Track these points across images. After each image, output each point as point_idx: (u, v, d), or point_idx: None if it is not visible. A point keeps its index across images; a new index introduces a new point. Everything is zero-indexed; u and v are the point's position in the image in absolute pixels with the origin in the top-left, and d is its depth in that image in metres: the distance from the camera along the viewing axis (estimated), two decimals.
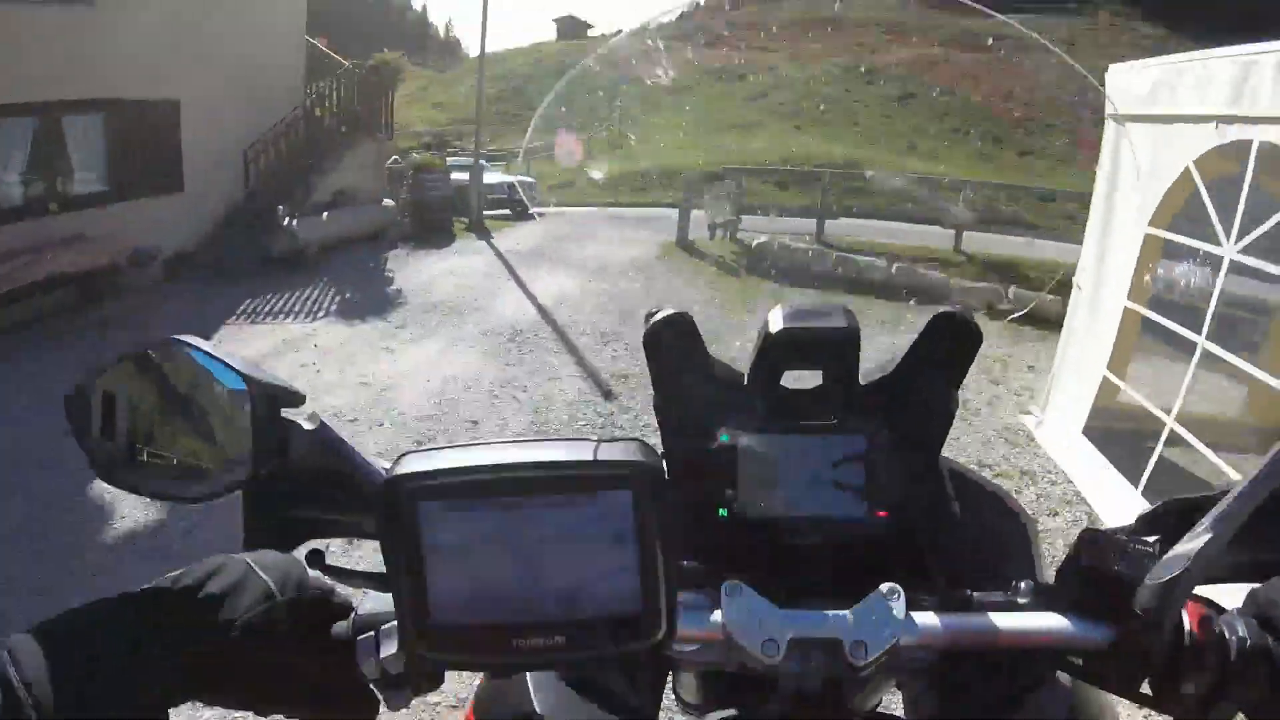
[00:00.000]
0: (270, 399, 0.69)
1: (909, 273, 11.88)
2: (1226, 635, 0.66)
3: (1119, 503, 5.49)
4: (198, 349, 0.70)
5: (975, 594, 0.80)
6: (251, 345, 7.42)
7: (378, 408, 6.11)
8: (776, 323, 0.95)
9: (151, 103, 9.85)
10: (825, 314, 0.96)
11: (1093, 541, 0.76)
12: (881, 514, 0.95)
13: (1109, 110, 6.26)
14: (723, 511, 0.96)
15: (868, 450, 0.97)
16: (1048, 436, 6.58)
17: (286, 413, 0.72)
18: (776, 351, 0.97)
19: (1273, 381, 4.72)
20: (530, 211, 18.54)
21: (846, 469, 0.96)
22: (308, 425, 0.72)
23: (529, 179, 20.46)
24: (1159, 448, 5.33)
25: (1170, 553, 0.65)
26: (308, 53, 13.47)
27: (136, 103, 9.59)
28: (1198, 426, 5.25)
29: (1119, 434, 6.18)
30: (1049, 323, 11.01)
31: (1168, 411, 5.41)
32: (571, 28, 78.56)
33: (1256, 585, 0.72)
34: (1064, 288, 11.91)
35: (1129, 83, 6.02)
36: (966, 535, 1.03)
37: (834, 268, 11.95)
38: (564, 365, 7.24)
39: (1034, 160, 39.33)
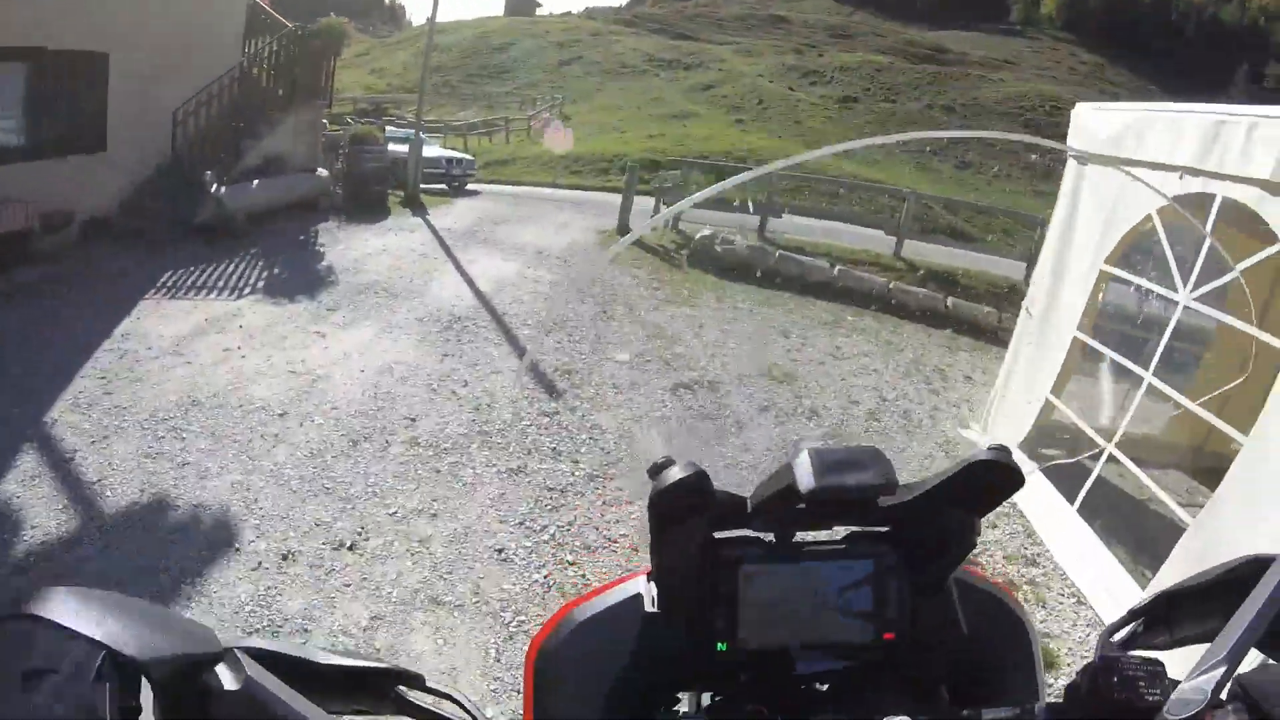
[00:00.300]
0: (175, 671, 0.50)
1: (850, 275, 11.89)
2: None
3: (1056, 519, 5.73)
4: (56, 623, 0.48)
5: (985, 713, 0.82)
6: (172, 324, 6.90)
7: (308, 400, 5.72)
8: (806, 478, 0.84)
9: (78, 54, 9.10)
10: (860, 465, 0.86)
11: (1106, 668, 0.77)
12: (888, 636, 0.93)
13: (1071, 148, 6.47)
14: (722, 646, 0.92)
15: (875, 573, 0.94)
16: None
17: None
18: (805, 509, 0.89)
19: (1201, 412, 5.08)
20: (467, 188, 18.15)
21: (853, 594, 0.94)
22: (230, 683, 0.53)
23: (467, 156, 19.91)
24: (1097, 468, 5.58)
25: (1187, 684, 0.67)
26: (248, 12, 12.64)
27: (62, 53, 8.83)
28: (1130, 447, 5.51)
29: (1058, 456, 6.41)
30: (983, 333, 11.19)
31: (1106, 435, 5.66)
32: (520, 4, 78.09)
33: (1242, 672, 0.72)
34: (1000, 300, 12.21)
35: (1095, 123, 6.21)
36: (971, 646, 1.00)
37: (776, 266, 11.87)
38: (505, 358, 6.98)
39: (972, 175, 40.26)
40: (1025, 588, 5.25)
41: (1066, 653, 4.35)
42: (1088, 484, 5.58)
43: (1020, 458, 0.84)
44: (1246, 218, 4.67)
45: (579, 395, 6.36)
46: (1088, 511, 5.54)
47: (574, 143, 29.07)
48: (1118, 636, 0.94)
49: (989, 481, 0.90)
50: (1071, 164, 6.52)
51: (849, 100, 47.81)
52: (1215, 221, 4.84)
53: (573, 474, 5.16)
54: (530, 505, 4.73)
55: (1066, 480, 5.84)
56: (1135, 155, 5.61)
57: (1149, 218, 5.48)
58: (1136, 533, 5.49)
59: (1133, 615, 0.94)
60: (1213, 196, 4.82)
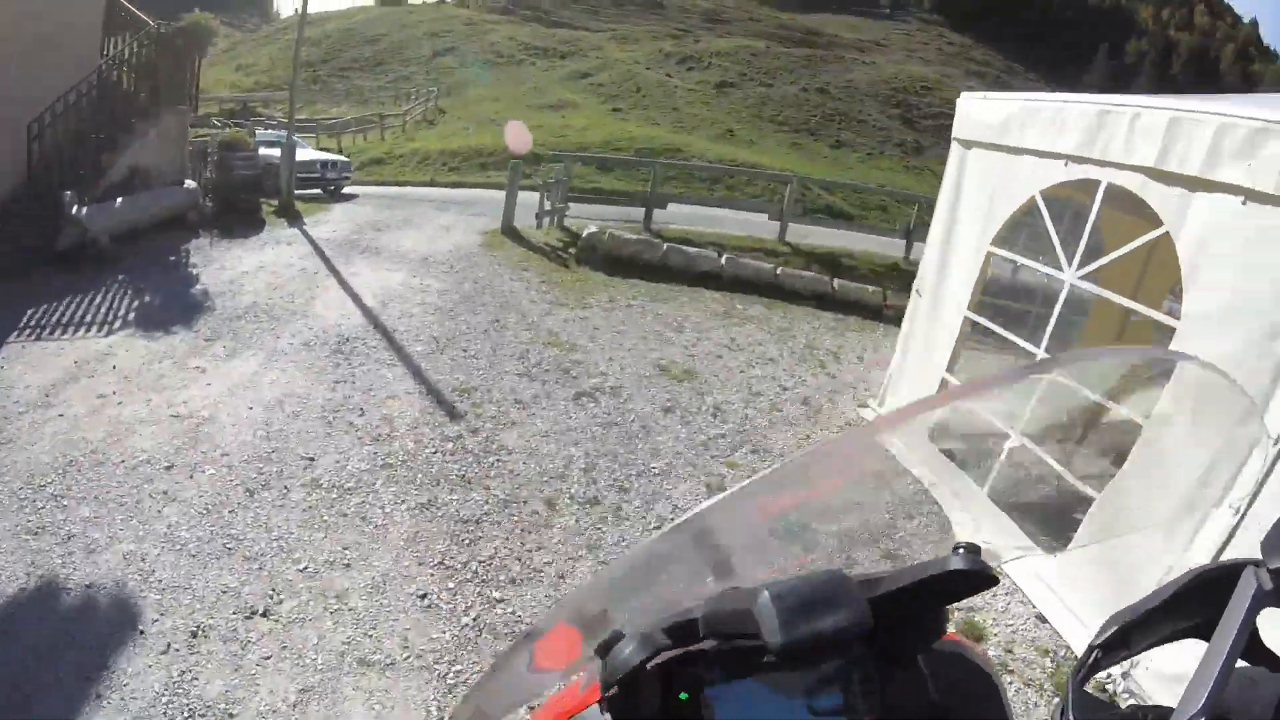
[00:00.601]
0: None
1: (738, 264, 12.02)
2: None
3: (964, 499, 5.82)
4: None
5: None
6: (39, 371, 6.29)
7: (195, 448, 5.29)
8: (774, 633, 0.80)
9: None
10: (829, 602, 0.83)
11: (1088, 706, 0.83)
12: None
13: (956, 135, 6.68)
14: None
15: (845, 670, 0.92)
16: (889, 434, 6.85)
17: None
18: (775, 662, 0.84)
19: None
20: (344, 192, 17.56)
21: (824, 694, 0.91)
22: None
23: (343, 157, 19.18)
24: (1004, 451, 5.68)
25: None
26: (106, 9, 11.59)
27: None
28: (1031, 426, 5.71)
29: (959, 434, 6.59)
30: (870, 312, 11.49)
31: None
32: None
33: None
34: (883, 279, 12.56)
35: (979, 111, 6.46)
36: (942, 711, 0.99)
37: (665, 258, 11.90)
38: (400, 379, 6.72)
39: (847, 153, 41.33)
40: None
41: (991, 623, 4.54)
42: (996, 468, 5.78)
43: (990, 553, 0.86)
44: (1130, 201, 4.98)
45: (481, 415, 6.19)
46: (995, 495, 5.79)
47: (452, 138, 28.56)
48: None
49: (966, 585, 0.89)
50: (955, 149, 6.72)
51: (725, 85, 48.52)
52: (1101, 205, 5.19)
53: (485, 502, 5.00)
54: (447, 541, 4.55)
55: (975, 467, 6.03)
56: (1020, 144, 5.92)
57: (1032, 200, 5.79)
58: (1045, 509, 5.78)
59: (1091, 650, 0.94)
60: (1098, 182, 5.17)
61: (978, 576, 0.88)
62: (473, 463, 5.46)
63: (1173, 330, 4.57)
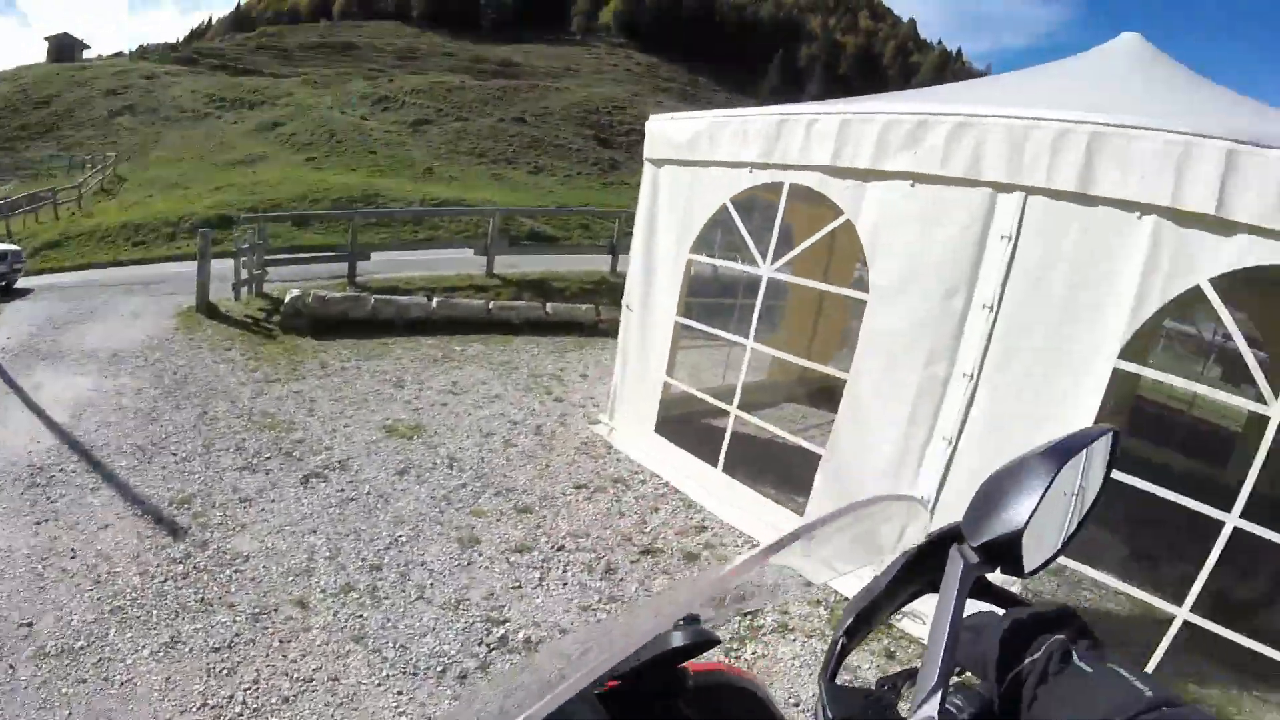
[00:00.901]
0: None
1: (450, 305, 12.14)
2: None
3: (707, 485, 6.58)
4: None
5: None
6: None
7: None
8: None
9: None
10: None
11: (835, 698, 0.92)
12: None
13: (648, 155, 7.15)
14: None
15: None
16: (624, 441, 7.39)
17: None
18: None
19: (790, 357, 6.74)
20: (15, 288, 15.69)
21: None
22: None
23: (13, 246, 16.65)
24: (729, 431, 6.44)
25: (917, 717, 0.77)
26: None
27: None
28: (747, 399, 6.51)
29: (687, 427, 7.25)
30: (586, 330, 11.98)
31: (725, 398, 6.57)
32: (66, 47, 69.87)
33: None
34: (593, 295, 13.14)
35: (668, 131, 6.95)
36: None
37: (374, 312, 11.80)
38: (109, 504, 6.01)
39: (546, 177, 42.48)
40: (705, 552, 5.75)
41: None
42: (724, 445, 6.42)
43: (711, 617, 0.99)
44: (812, 197, 5.70)
45: (206, 524, 5.73)
46: (731, 467, 6.41)
47: (131, 209, 26.39)
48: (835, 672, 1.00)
49: (685, 650, 0.93)
50: (648, 168, 7.15)
51: (422, 123, 48.45)
52: (787, 203, 5.89)
53: (233, 622, 4.61)
54: (204, 679, 4.12)
55: (706, 446, 6.64)
56: (709, 157, 6.52)
57: (724, 207, 6.41)
58: (777, 470, 6.45)
59: (835, 643, 1.00)
60: (781, 184, 5.86)
61: (702, 644, 0.93)
62: (209, 581, 5.04)
63: (864, 302, 5.38)
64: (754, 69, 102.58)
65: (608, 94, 63.42)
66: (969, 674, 0.96)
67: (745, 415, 6.46)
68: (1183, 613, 4.11)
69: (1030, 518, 0.85)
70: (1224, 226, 3.87)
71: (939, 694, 0.77)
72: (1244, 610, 4.75)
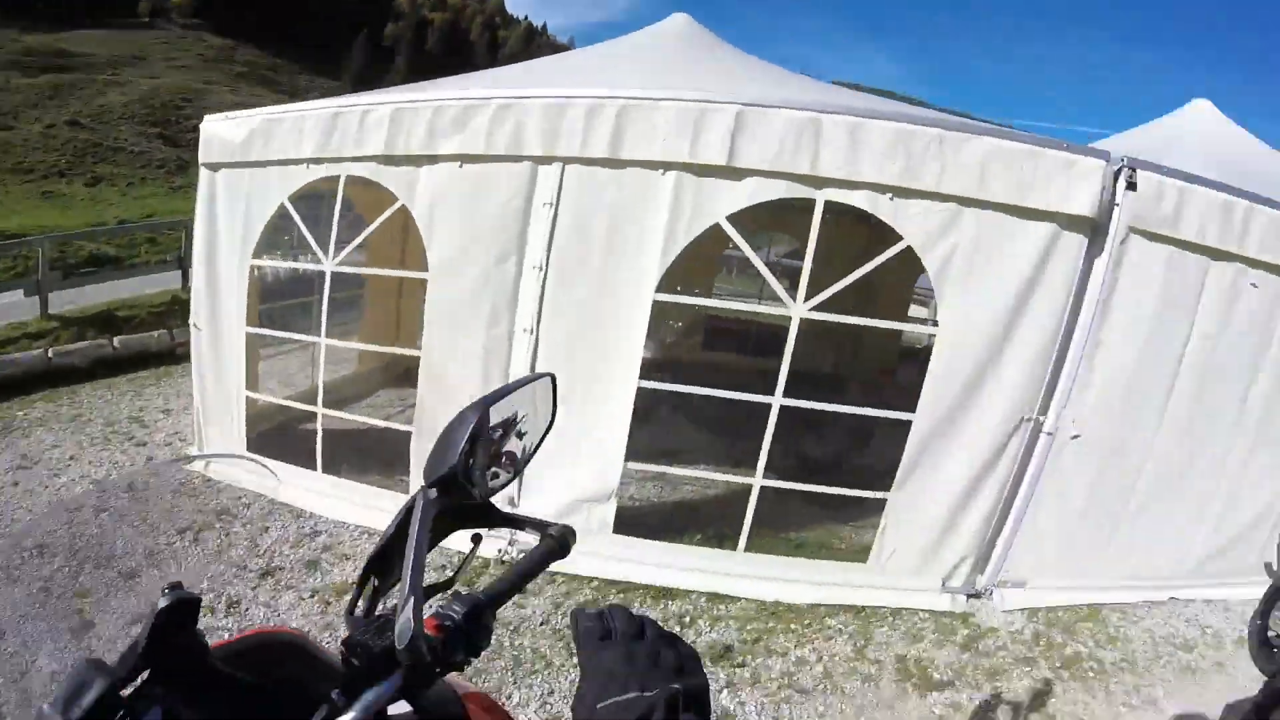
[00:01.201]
0: None
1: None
2: None
3: (311, 490, 6.37)
4: None
5: None
6: None
7: None
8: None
9: None
10: None
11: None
12: None
13: (204, 160, 6.68)
14: None
15: None
16: (219, 469, 6.88)
17: None
18: None
19: (364, 346, 7.37)
20: None
21: None
22: None
23: None
24: (320, 433, 6.37)
25: (400, 619, 0.92)
26: None
27: None
28: (335, 396, 6.79)
29: (285, 436, 7.13)
30: (162, 358, 10.86)
31: (310, 400, 6.61)
32: None
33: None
34: (165, 318, 11.89)
35: (223, 132, 6.55)
36: None
37: None
38: None
39: (106, 188, 37.93)
40: (324, 555, 5.69)
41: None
42: (319, 447, 6.34)
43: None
44: (371, 187, 5.80)
45: None
46: (333, 467, 6.39)
47: None
48: None
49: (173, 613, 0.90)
50: (204, 173, 6.70)
51: None
52: (345, 194, 5.94)
53: None
54: None
55: (304, 452, 6.45)
56: (265, 156, 6.27)
57: (282, 206, 6.22)
58: (379, 457, 6.50)
59: (359, 585, 1.09)
60: (338, 177, 5.88)
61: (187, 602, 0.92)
62: None
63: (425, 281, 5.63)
64: (338, 48, 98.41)
65: (177, 84, 57.32)
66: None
67: (333, 412, 6.46)
68: (757, 481, 5.18)
69: (463, 456, 1.04)
70: (735, 173, 4.80)
71: (412, 600, 0.91)
72: (823, 466, 6.21)
